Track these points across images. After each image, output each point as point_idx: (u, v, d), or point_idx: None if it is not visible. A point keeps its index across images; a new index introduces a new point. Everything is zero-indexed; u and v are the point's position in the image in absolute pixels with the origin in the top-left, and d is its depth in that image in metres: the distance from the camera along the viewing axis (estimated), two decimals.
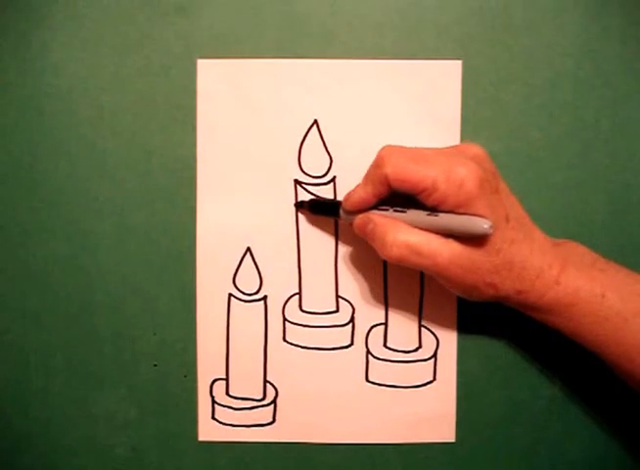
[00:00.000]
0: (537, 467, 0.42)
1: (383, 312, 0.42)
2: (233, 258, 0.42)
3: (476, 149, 0.37)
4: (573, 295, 0.35)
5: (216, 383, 0.42)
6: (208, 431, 0.42)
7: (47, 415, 0.42)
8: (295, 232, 0.42)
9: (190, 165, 0.41)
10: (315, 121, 0.41)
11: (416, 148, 0.37)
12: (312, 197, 0.41)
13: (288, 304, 0.42)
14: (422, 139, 0.41)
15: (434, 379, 0.42)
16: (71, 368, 0.42)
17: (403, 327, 0.42)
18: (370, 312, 0.42)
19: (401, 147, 0.37)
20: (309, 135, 0.41)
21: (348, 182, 0.41)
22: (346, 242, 0.42)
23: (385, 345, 0.42)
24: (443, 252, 0.35)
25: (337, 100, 0.41)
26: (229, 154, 0.41)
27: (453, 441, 0.42)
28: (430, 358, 0.42)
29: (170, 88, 0.41)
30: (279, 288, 0.42)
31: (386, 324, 0.42)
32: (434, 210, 0.35)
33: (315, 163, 0.41)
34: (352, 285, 0.42)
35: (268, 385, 0.42)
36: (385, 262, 0.41)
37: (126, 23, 0.41)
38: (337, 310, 0.42)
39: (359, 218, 0.37)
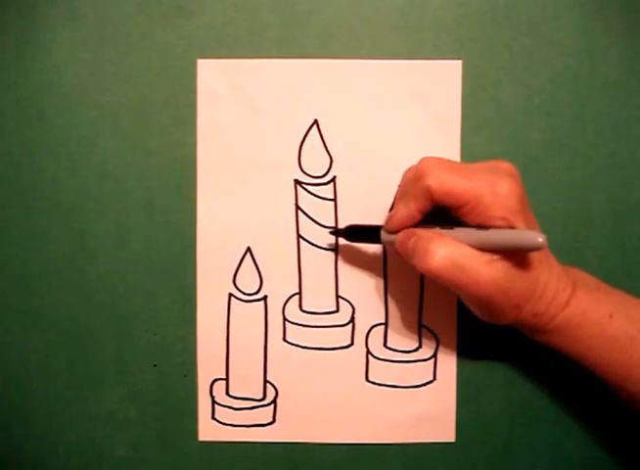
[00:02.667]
0: (537, 467, 0.42)
1: (383, 312, 0.42)
2: (233, 257, 0.42)
3: (507, 165, 0.36)
4: (582, 315, 0.35)
5: (216, 383, 0.42)
6: (208, 431, 0.42)
7: (47, 415, 0.42)
8: (295, 232, 0.42)
9: (190, 165, 0.41)
10: (315, 121, 0.41)
11: (453, 161, 0.37)
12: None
13: (288, 303, 0.42)
14: (422, 139, 0.41)
15: (434, 379, 0.42)
16: (71, 368, 0.42)
17: (403, 327, 0.42)
18: (370, 312, 0.42)
19: (440, 159, 0.36)
20: (309, 135, 0.41)
21: (348, 182, 0.41)
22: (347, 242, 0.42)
23: (385, 345, 0.42)
24: (486, 270, 0.34)
25: (337, 100, 0.41)
26: (229, 154, 0.41)
27: (453, 441, 0.42)
28: (430, 358, 0.42)
29: (170, 88, 0.41)
30: (279, 288, 0.42)
31: (386, 324, 0.42)
32: (477, 226, 0.34)
33: (315, 162, 0.41)
34: (352, 285, 0.42)
35: (268, 385, 0.42)
36: (385, 262, 0.41)
37: (126, 24, 0.41)
38: (337, 310, 0.42)
39: (402, 233, 0.36)
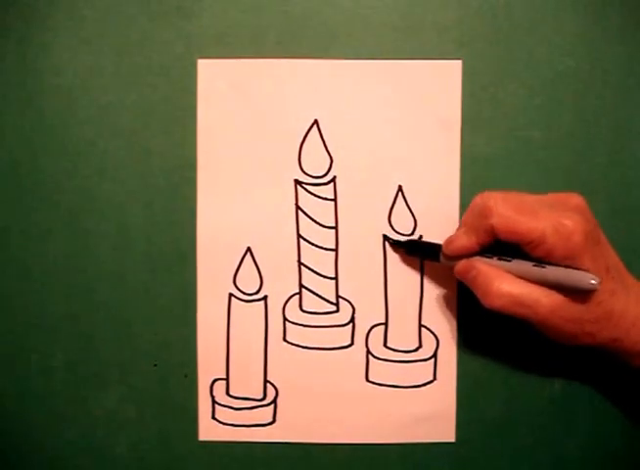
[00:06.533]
0: (537, 467, 0.42)
1: (383, 312, 0.42)
2: (233, 257, 0.42)
3: (577, 199, 0.37)
4: None
5: (216, 383, 0.42)
6: (209, 431, 0.42)
7: (47, 415, 0.42)
8: (295, 232, 0.42)
9: (190, 165, 0.41)
10: (315, 121, 0.41)
11: (518, 195, 0.37)
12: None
13: (288, 303, 0.42)
14: (422, 139, 0.41)
15: (435, 379, 0.42)
16: (71, 368, 0.42)
17: (403, 327, 0.42)
18: (370, 312, 0.42)
19: (505, 195, 0.36)
20: (309, 135, 0.41)
21: (348, 182, 0.41)
22: (347, 241, 0.42)
23: (385, 344, 0.42)
24: (545, 303, 0.35)
25: (337, 100, 0.41)
26: (229, 154, 0.41)
27: (453, 441, 0.42)
28: (430, 358, 0.42)
29: (170, 88, 0.41)
30: (279, 288, 0.42)
31: (386, 324, 0.42)
32: (539, 261, 0.35)
33: (315, 162, 0.41)
34: (352, 285, 0.42)
35: (268, 385, 0.42)
36: (385, 262, 0.41)
37: (127, 24, 0.41)
38: (337, 310, 0.42)
39: (461, 264, 0.37)
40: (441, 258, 0.39)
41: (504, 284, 0.35)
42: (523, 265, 0.35)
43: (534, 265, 0.35)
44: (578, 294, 0.35)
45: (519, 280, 0.35)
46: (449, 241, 0.38)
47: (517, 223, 0.35)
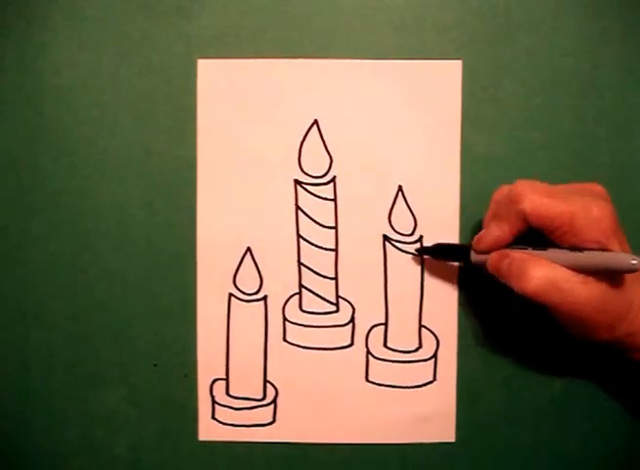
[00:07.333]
0: (537, 467, 0.42)
1: (383, 312, 0.42)
2: (233, 257, 0.42)
3: (599, 188, 0.37)
4: None
5: (216, 383, 0.42)
6: (208, 431, 0.42)
7: (47, 415, 0.42)
8: (295, 232, 0.42)
9: (190, 165, 0.41)
10: (315, 121, 0.41)
11: (543, 183, 0.37)
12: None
13: (288, 303, 0.42)
14: (422, 139, 0.41)
15: (435, 379, 0.42)
16: (71, 368, 0.42)
17: (403, 327, 0.42)
18: (370, 312, 0.42)
19: (534, 182, 0.36)
20: (309, 135, 0.41)
21: (348, 182, 0.41)
22: (347, 241, 0.42)
23: (385, 345, 0.42)
24: (582, 291, 0.34)
25: (337, 100, 0.41)
26: (229, 154, 0.41)
27: (453, 441, 0.42)
28: (430, 358, 0.42)
29: (170, 88, 0.41)
30: (279, 288, 0.42)
31: (386, 324, 0.42)
32: (570, 248, 0.35)
33: (315, 162, 0.41)
34: (352, 285, 0.42)
35: (268, 385, 0.42)
36: (385, 262, 0.41)
37: (126, 23, 0.41)
38: (337, 310, 0.42)
39: (495, 254, 0.37)
40: (472, 255, 0.38)
41: (541, 267, 0.35)
42: (558, 253, 0.35)
43: (571, 250, 0.35)
44: (610, 279, 0.34)
45: (557, 265, 0.35)
46: (480, 237, 0.38)
47: (548, 208, 0.34)
